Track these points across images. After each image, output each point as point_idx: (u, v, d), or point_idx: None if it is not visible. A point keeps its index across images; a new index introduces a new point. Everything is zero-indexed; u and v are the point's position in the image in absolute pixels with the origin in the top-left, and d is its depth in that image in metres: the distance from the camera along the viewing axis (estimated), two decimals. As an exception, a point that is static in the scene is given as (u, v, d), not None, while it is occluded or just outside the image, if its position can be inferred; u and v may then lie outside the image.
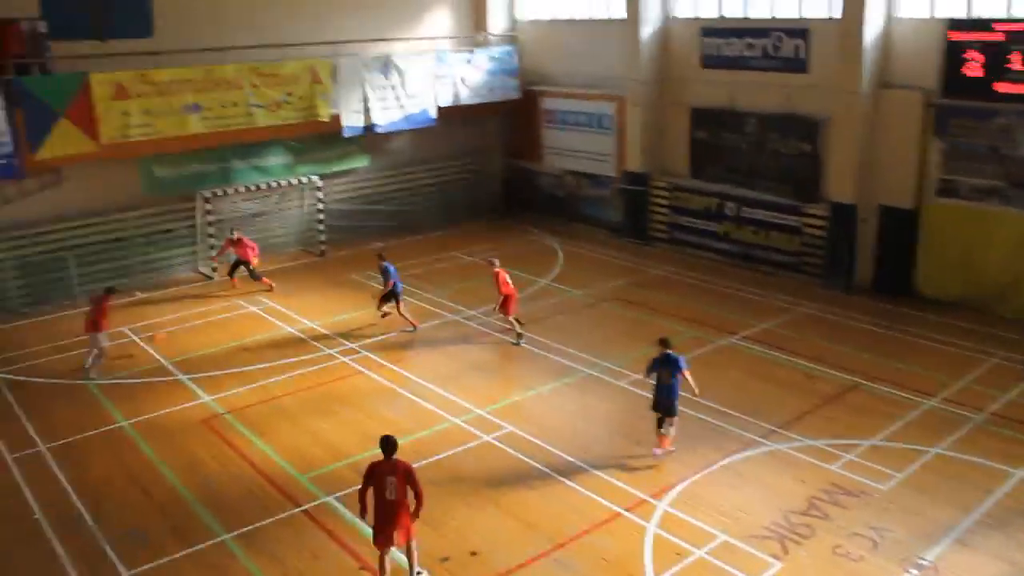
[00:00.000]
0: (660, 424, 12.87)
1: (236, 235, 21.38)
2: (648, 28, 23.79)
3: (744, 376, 15.76)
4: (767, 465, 12.65)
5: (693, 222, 23.72)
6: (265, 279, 21.44)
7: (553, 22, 27.43)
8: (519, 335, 17.62)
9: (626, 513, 11.45)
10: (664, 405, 12.76)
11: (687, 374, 12.57)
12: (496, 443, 13.47)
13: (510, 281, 17.61)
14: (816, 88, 20.58)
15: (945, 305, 18.85)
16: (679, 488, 12.02)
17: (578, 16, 26.76)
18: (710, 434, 13.52)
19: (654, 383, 12.81)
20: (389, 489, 9.52)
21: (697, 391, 12.62)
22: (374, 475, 9.61)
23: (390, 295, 18.21)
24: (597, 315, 19.38)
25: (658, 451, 12.87)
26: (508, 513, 11.55)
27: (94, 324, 16.53)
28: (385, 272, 18.14)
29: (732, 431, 13.62)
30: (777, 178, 21.78)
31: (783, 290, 20.54)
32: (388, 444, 9.70)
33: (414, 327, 18.34)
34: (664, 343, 12.84)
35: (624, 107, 24.79)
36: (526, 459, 12.91)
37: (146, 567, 10.62)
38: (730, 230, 22.87)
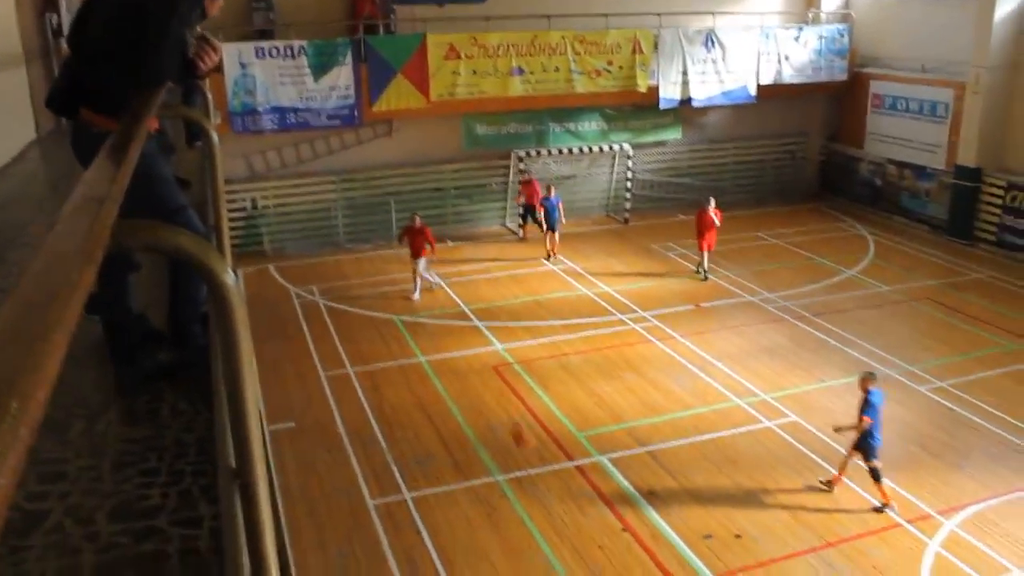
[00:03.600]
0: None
1: (527, 176, 22.20)
2: (1005, 7, 21.52)
3: (1070, 401, 14.10)
4: (1083, 500, 11.35)
5: (1030, 226, 21.42)
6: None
7: (891, 0, 25.62)
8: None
9: (907, 525, 10.69)
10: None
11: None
12: (777, 430, 13.03)
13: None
14: None
15: None
16: (972, 509, 11.02)
17: (922, -7, 24.76)
18: (1017, 458, 12.25)
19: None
20: None
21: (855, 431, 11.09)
22: None
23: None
24: (904, 314, 18.06)
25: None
26: (778, 503, 11.19)
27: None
28: None
29: (1045, 458, 12.30)
30: None
31: None
32: None
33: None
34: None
35: (963, 94, 22.77)
36: (806, 451, 12.39)
37: (425, 491, 11.40)
38: (1074, 239, 20.46)
